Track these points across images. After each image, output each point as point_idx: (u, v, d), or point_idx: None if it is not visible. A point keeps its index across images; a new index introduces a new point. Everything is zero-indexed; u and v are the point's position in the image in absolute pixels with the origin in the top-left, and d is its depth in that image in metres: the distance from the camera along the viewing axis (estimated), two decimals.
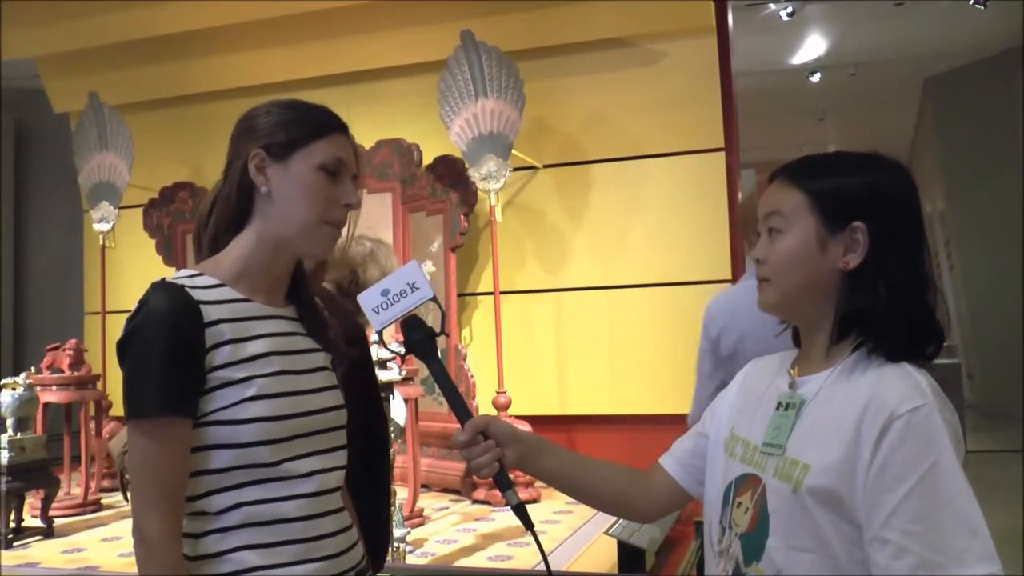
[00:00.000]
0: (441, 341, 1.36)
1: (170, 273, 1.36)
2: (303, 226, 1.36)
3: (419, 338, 1.33)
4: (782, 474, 1.20)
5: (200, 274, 1.34)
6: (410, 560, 3.88)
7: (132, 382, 1.26)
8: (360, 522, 1.53)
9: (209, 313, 1.28)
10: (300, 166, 1.36)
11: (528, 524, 1.30)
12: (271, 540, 1.29)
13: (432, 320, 1.39)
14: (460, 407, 1.35)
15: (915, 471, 1.09)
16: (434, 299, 1.35)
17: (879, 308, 1.20)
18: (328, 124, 1.41)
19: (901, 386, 1.14)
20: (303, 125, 1.38)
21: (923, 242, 1.25)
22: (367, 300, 1.35)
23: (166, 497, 1.24)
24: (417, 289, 1.34)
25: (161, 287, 1.29)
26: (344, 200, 1.39)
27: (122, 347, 1.27)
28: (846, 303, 1.23)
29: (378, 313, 1.34)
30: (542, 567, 1.31)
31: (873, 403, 1.14)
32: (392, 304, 1.34)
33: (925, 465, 1.09)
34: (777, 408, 1.27)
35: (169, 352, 1.24)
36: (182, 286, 1.29)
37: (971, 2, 7.49)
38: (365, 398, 2.26)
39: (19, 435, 4.67)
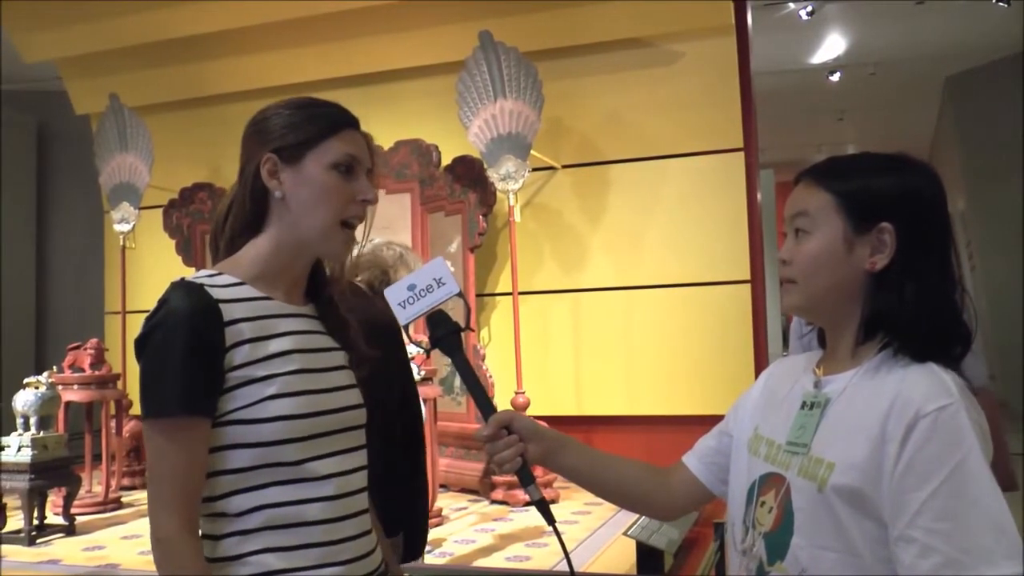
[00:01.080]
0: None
1: (190, 273, 1.35)
2: (320, 229, 1.35)
3: (445, 333, 1.33)
4: (807, 473, 1.19)
5: (219, 273, 1.33)
6: (428, 560, 3.88)
7: (149, 380, 1.24)
8: (399, 516, 1.53)
9: (229, 312, 1.27)
10: (312, 168, 1.34)
11: (550, 519, 1.30)
12: (292, 543, 1.28)
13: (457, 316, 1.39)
14: (484, 402, 1.34)
15: (941, 469, 1.08)
16: (460, 294, 1.35)
17: (906, 309, 1.19)
18: (337, 121, 1.38)
19: (927, 385, 1.13)
20: (312, 125, 1.36)
21: (951, 243, 1.24)
22: (394, 295, 1.35)
23: (183, 497, 1.23)
24: (443, 284, 1.33)
25: (181, 286, 1.27)
26: (360, 196, 1.37)
27: (140, 344, 1.25)
28: (872, 304, 1.22)
29: (404, 308, 1.34)
30: (560, 568, 1.31)
31: (899, 401, 1.13)
32: (419, 299, 1.33)
33: (951, 463, 1.08)
34: (802, 407, 1.26)
35: (188, 351, 1.22)
36: (201, 285, 1.28)
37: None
38: (403, 396, 2.27)
39: (41, 433, 4.72)
